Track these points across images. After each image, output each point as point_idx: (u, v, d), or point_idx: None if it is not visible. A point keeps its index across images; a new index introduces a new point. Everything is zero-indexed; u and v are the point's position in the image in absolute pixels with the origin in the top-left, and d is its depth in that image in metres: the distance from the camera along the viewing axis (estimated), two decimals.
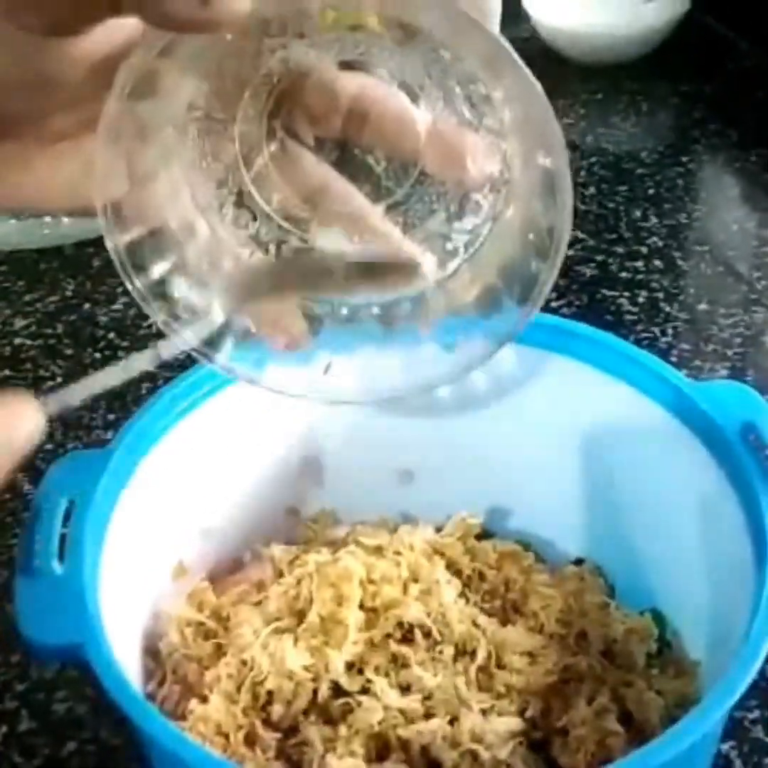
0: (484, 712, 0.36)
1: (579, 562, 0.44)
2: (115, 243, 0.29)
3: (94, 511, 0.35)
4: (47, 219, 0.71)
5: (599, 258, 0.68)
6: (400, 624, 0.38)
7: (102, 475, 0.36)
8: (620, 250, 0.69)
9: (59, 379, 0.61)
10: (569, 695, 0.37)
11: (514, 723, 0.36)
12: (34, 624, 0.32)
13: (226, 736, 0.36)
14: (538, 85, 0.26)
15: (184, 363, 0.59)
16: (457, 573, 0.41)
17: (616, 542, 0.43)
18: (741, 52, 0.90)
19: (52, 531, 0.34)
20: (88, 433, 0.57)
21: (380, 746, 0.36)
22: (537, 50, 0.90)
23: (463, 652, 0.38)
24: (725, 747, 0.42)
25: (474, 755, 0.35)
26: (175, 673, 0.38)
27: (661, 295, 0.65)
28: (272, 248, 0.32)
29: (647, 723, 0.37)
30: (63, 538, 0.35)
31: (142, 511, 0.38)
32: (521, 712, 0.37)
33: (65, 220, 0.72)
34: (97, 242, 0.71)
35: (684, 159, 0.78)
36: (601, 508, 0.44)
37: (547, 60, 0.89)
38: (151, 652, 0.39)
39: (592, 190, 0.75)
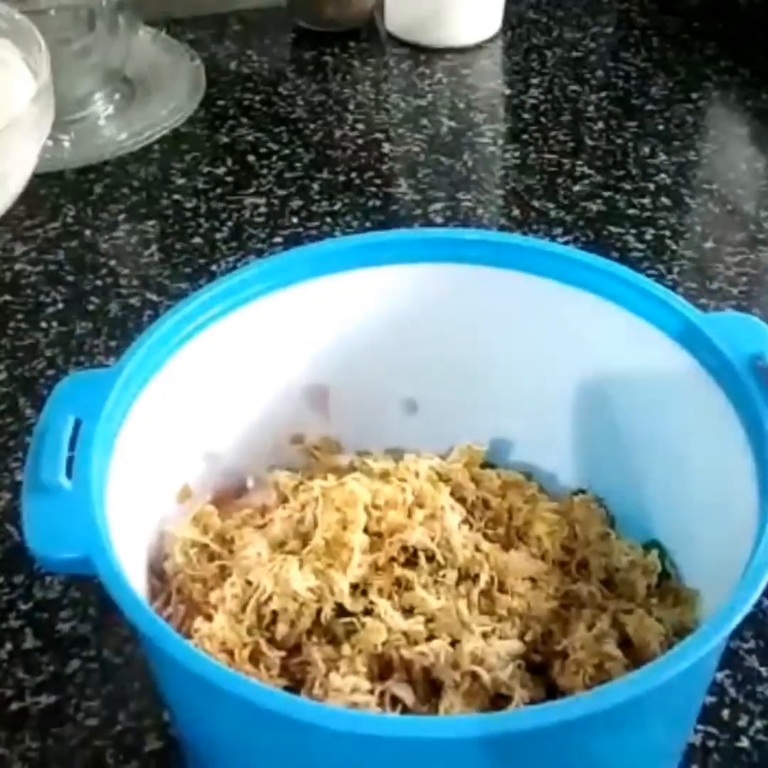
0: (485, 635, 0.36)
1: (580, 493, 0.44)
2: None
3: (101, 428, 0.35)
4: (48, 143, 0.70)
5: (606, 194, 0.68)
6: (404, 548, 0.38)
7: (109, 393, 0.36)
8: (627, 186, 0.68)
9: (60, 305, 0.61)
10: (570, 620, 0.38)
11: (515, 646, 0.36)
12: (42, 537, 0.32)
13: (231, 654, 0.36)
14: None
15: (186, 292, 0.59)
16: (462, 500, 0.41)
17: (617, 473, 0.43)
18: None
19: (60, 446, 0.34)
20: (91, 359, 0.57)
21: (383, 666, 0.36)
22: None
23: (466, 576, 0.38)
24: (720, 675, 0.42)
25: (474, 676, 0.35)
26: (181, 593, 0.39)
27: (667, 232, 0.65)
28: None
29: (647, 648, 0.37)
30: (70, 460, 0.35)
31: (148, 432, 0.38)
32: (522, 636, 0.37)
33: (66, 144, 0.71)
34: (99, 168, 0.71)
35: (694, 96, 0.77)
36: (603, 439, 0.44)
37: None
38: (157, 572, 0.39)
39: (600, 125, 0.74)
